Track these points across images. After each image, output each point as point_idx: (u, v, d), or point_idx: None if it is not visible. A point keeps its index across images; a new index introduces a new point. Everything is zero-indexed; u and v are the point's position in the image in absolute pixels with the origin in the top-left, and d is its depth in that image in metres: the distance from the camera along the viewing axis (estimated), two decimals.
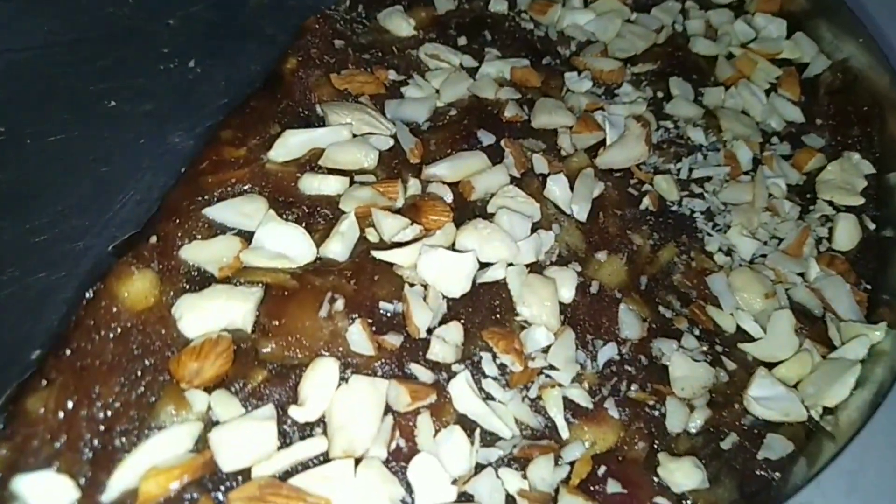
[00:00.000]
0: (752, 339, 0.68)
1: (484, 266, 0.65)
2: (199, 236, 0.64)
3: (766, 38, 0.98)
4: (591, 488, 0.58)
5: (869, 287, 0.75)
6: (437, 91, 0.81)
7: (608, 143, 0.76)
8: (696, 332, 0.67)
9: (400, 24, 0.87)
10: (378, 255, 0.63)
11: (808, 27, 1.00)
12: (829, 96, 0.92)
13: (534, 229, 0.68)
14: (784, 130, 0.86)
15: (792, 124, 0.88)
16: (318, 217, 0.67)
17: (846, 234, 0.77)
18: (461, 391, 0.59)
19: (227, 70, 0.97)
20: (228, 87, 0.94)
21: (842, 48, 0.97)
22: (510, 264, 0.65)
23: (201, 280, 0.62)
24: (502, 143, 0.74)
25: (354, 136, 0.73)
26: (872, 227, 0.80)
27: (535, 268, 0.66)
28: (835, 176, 0.81)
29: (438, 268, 0.63)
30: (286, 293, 0.61)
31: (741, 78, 0.90)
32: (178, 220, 0.64)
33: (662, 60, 0.89)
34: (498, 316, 0.63)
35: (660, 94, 0.85)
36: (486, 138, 0.75)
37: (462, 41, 0.86)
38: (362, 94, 0.78)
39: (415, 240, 0.64)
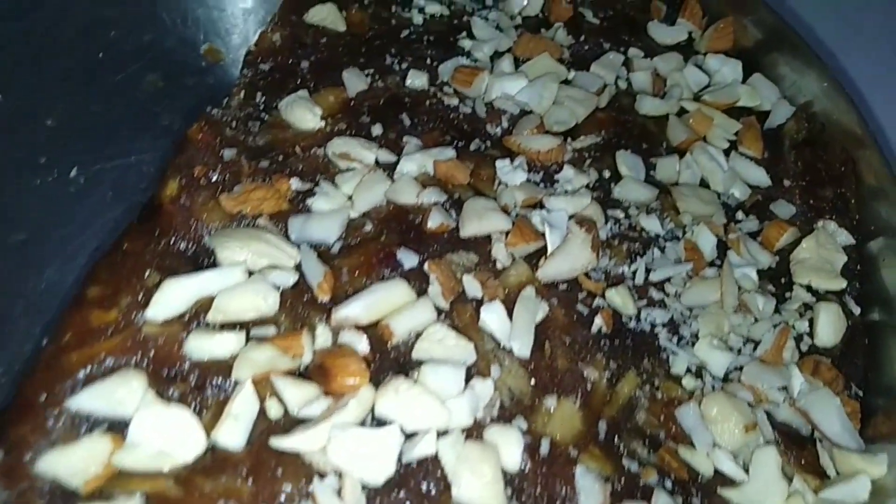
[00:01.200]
0: (733, 483, 0.58)
1: (411, 437, 0.54)
2: (60, 440, 0.53)
3: (720, 82, 0.88)
4: None
5: (860, 393, 0.65)
6: (350, 198, 0.69)
7: (550, 249, 0.66)
8: (669, 485, 0.57)
9: (304, 115, 0.75)
10: (279, 443, 0.52)
11: (765, 65, 0.91)
12: (795, 150, 0.82)
13: (468, 376, 0.57)
14: (749, 200, 0.76)
15: (757, 189, 0.78)
16: (208, 391, 0.56)
17: (829, 328, 0.67)
18: None
19: (115, 176, 0.85)
20: (117, 199, 0.83)
21: (803, 89, 0.87)
22: (442, 433, 0.55)
23: (64, 498, 0.51)
24: (427, 266, 0.63)
25: (251, 273, 0.62)
26: (857, 310, 0.70)
27: (474, 430, 0.56)
28: (810, 254, 0.72)
29: (354, 451, 0.52)
30: None
31: (697, 141, 0.79)
32: (32, 423, 0.53)
33: (607, 129, 0.78)
34: (431, 502, 0.53)
35: (606, 174, 0.74)
36: (408, 259, 0.64)
37: (377, 129, 0.75)
38: (260, 215, 0.66)
39: (324, 415, 0.54)
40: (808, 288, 0.71)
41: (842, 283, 0.70)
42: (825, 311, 0.68)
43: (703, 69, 0.90)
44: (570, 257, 0.64)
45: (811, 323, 0.69)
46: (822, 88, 0.85)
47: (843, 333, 0.68)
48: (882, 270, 0.72)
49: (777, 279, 0.71)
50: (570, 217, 0.68)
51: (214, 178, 0.67)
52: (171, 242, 0.63)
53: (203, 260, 0.63)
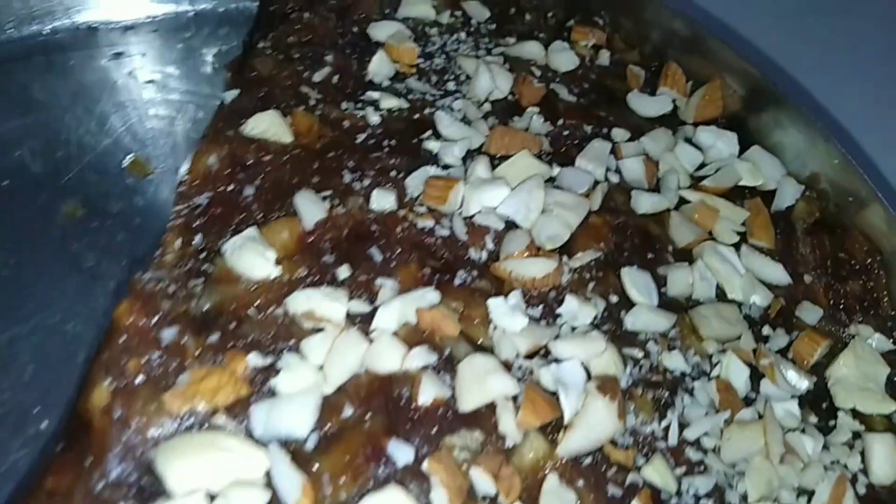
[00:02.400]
0: None
1: None
2: None
3: (716, 159, 0.80)
4: None
5: None
6: (322, 368, 0.58)
7: (567, 416, 0.56)
8: None
9: (255, 261, 0.63)
10: None
11: (761, 132, 0.83)
12: (810, 237, 0.74)
13: None
14: (773, 308, 0.68)
15: (778, 289, 0.70)
16: None
17: (885, 463, 0.59)
18: None
19: (35, 342, 0.71)
20: (40, 373, 0.69)
21: (807, 160, 0.79)
22: None
23: None
24: (426, 464, 0.52)
25: (213, 497, 0.50)
26: None
27: None
28: (850, 370, 0.64)
29: None
30: None
31: (704, 240, 0.71)
32: None
33: (605, 239, 0.69)
34: None
35: (613, 299, 0.65)
36: (401, 453, 0.53)
37: (343, 271, 0.63)
38: (216, 411, 0.55)
39: None
40: (854, 412, 0.63)
41: (890, 406, 0.62)
42: (878, 443, 0.60)
43: (695, 145, 0.81)
44: (594, 428, 0.54)
45: (863, 455, 0.61)
46: (826, 158, 0.77)
47: None
48: None
49: (818, 404, 0.63)
50: (586, 370, 0.58)
51: (152, 371, 0.55)
52: (107, 471, 0.51)
53: (149, 490, 0.51)
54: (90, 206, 0.81)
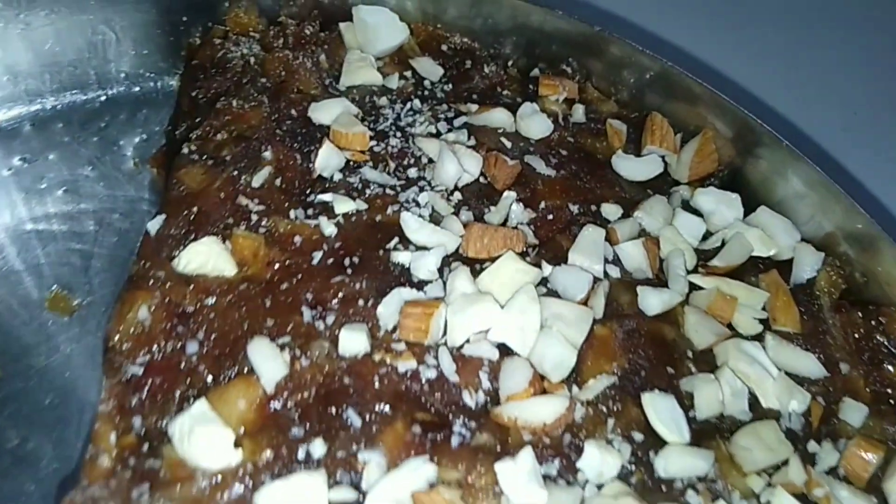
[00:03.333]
0: None
1: None
2: None
3: (719, 225, 0.71)
4: None
5: None
6: None
7: None
8: None
9: (209, 449, 0.51)
10: None
11: (761, 181, 0.74)
12: (839, 315, 0.66)
13: None
14: (813, 416, 0.59)
15: (813, 386, 0.61)
16: None
17: None
18: None
19: None
20: None
21: (821, 218, 0.71)
22: None
23: None
24: None
25: None
26: None
27: None
28: None
29: None
30: None
31: (725, 338, 0.62)
32: None
33: (617, 357, 0.59)
34: None
35: (637, 436, 0.55)
36: None
37: (318, 449, 0.52)
38: None
39: None
40: None
41: None
42: None
43: (694, 209, 0.72)
44: None
45: None
46: (845, 217, 0.69)
47: None
48: None
49: None
50: None
51: None
52: None
53: None
54: (5, 363, 0.69)
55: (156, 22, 0.87)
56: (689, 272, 0.67)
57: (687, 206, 0.73)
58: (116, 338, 0.59)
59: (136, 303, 0.60)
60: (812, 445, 0.58)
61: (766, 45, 1.08)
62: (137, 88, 0.91)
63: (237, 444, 0.53)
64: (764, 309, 0.65)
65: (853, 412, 0.60)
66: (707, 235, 0.71)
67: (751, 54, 1.05)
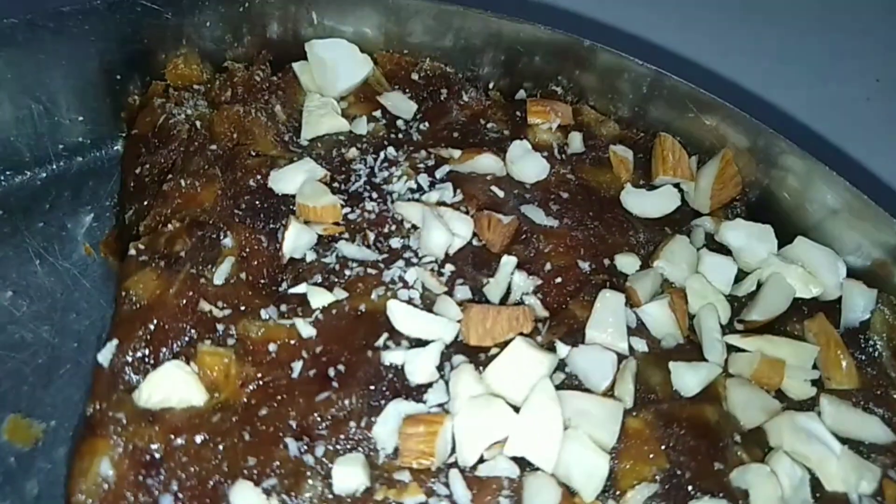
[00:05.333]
0: None
1: None
2: None
3: (750, 263, 0.62)
4: None
5: None
6: None
7: None
8: None
9: None
10: None
11: (793, 203, 0.65)
12: None
13: None
14: (886, 496, 0.51)
15: (878, 453, 0.53)
16: None
17: None
18: None
19: None
20: None
21: (862, 237, 0.62)
22: None
23: None
24: None
25: None
26: None
27: None
28: None
29: None
30: None
31: (777, 412, 0.53)
32: None
33: (656, 455, 0.51)
34: None
35: None
36: None
37: None
38: None
39: None
40: None
41: None
42: None
43: (718, 248, 0.63)
44: None
45: None
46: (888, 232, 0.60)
47: None
48: None
49: None
50: None
51: None
52: None
53: None
54: None
55: (87, 85, 0.77)
56: (723, 329, 0.58)
57: (711, 241, 0.64)
58: (81, 498, 0.51)
59: (95, 454, 0.52)
60: None
61: (762, 43, 0.97)
62: (80, 158, 0.81)
63: None
64: (815, 367, 0.57)
65: None
66: (739, 276, 0.62)
67: (747, 53, 0.94)
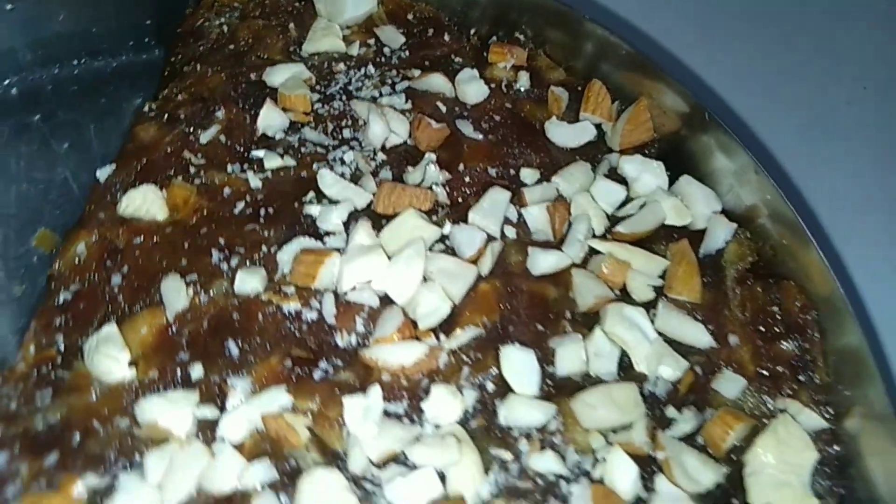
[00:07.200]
0: None
1: None
2: None
3: (641, 193, 0.70)
4: None
5: None
6: (160, 488, 0.54)
7: None
8: None
9: (109, 365, 0.59)
10: None
11: (695, 158, 0.73)
12: (741, 287, 0.64)
13: None
14: (682, 384, 0.59)
15: (696, 356, 0.60)
16: None
17: None
18: None
19: None
20: None
21: (741, 191, 0.69)
22: None
23: None
24: None
25: None
26: None
27: None
28: (768, 458, 0.54)
29: None
30: None
31: (611, 301, 0.61)
32: None
33: (493, 311, 0.61)
34: None
35: (489, 387, 0.57)
36: None
37: (196, 371, 0.58)
38: None
39: None
40: None
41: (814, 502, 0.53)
42: None
43: (616, 178, 0.72)
44: None
45: None
46: (759, 190, 0.66)
47: None
48: (866, 460, 0.55)
49: (726, 501, 0.54)
50: (442, 480, 0.51)
51: None
52: None
53: None
54: None
55: None
56: (595, 237, 0.67)
57: (614, 174, 0.73)
58: (57, 266, 0.68)
59: (77, 240, 0.69)
60: (671, 411, 0.57)
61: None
62: (144, 56, 1.00)
63: (132, 364, 0.60)
64: (662, 277, 0.64)
65: (729, 384, 0.58)
66: (628, 201, 0.71)
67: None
